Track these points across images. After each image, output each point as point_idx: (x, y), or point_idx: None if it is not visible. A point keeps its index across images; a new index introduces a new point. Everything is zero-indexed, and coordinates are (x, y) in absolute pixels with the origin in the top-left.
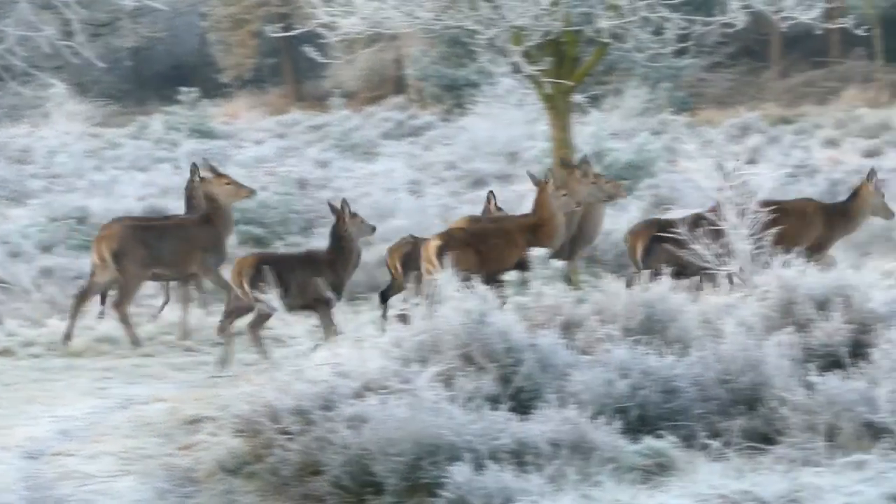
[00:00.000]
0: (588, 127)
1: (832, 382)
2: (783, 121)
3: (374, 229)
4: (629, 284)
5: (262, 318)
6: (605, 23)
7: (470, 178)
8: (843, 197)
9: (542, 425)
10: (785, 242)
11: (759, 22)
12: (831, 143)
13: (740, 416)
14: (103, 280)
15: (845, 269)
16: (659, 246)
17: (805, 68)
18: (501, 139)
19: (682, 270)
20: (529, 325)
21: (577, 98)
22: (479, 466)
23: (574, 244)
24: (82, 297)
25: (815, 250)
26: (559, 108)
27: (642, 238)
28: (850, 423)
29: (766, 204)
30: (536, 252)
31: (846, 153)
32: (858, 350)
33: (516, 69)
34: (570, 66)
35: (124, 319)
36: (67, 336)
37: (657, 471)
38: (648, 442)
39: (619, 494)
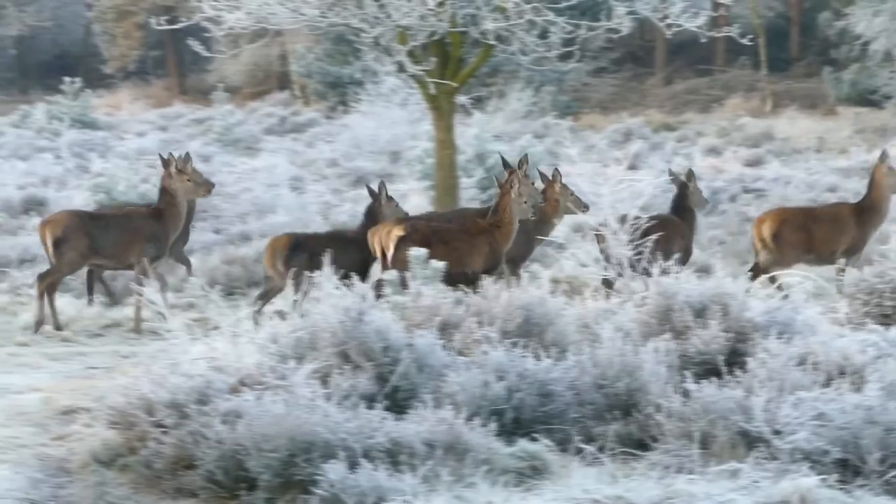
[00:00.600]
0: (471, 128)
1: (708, 390)
2: (666, 127)
3: (407, 215)
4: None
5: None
6: (490, 25)
7: (352, 176)
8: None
9: (418, 425)
10: (821, 249)
11: (644, 28)
12: (713, 151)
13: (616, 421)
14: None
15: (723, 277)
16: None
17: (689, 76)
18: (384, 138)
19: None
20: (407, 324)
21: (461, 99)
22: (353, 465)
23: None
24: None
25: (852, 252)
26: (443, 109)
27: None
28: (725, 431)
29: (803, 212)
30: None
31: (728, 161)
32: (735, 359)
33: (401, 68)
34: (454, 67)
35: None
36: (39, 323)
37: (531, 474)
38: (523, 445)
39: (493, 496)
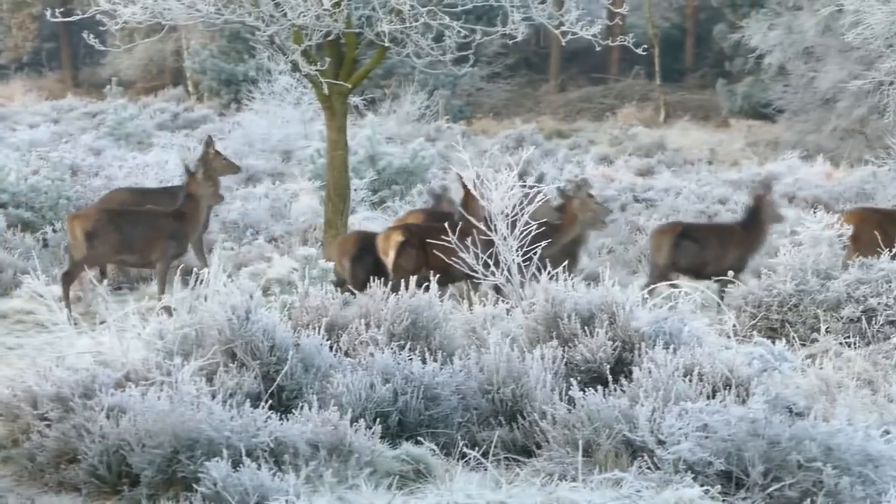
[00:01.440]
0: (364, 130)
1: (593, 398)
2: (559, 134)
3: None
4: None
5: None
6: (386, 27)
7: (243, 174)
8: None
9: (302, 425)
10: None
11: (540, 35)
12: (605, 159)
13: (500, 427)
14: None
15: (611, 286)
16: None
17: (583, 84)
18: (276, 137)
19: (702, 270)
20: (294, 324)
21: (354, 100)
22: (236, 463)
23: None
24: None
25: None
26: (335, 109)
27: (668, 237)
28: (609, 439)
29: (869, 211)
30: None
31: (619, 170)
32: (621, 367)
33: (295, 68)
34: (348, 68)
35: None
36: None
37: (414, 477)
38: (407, 448)
39: (375, 499)
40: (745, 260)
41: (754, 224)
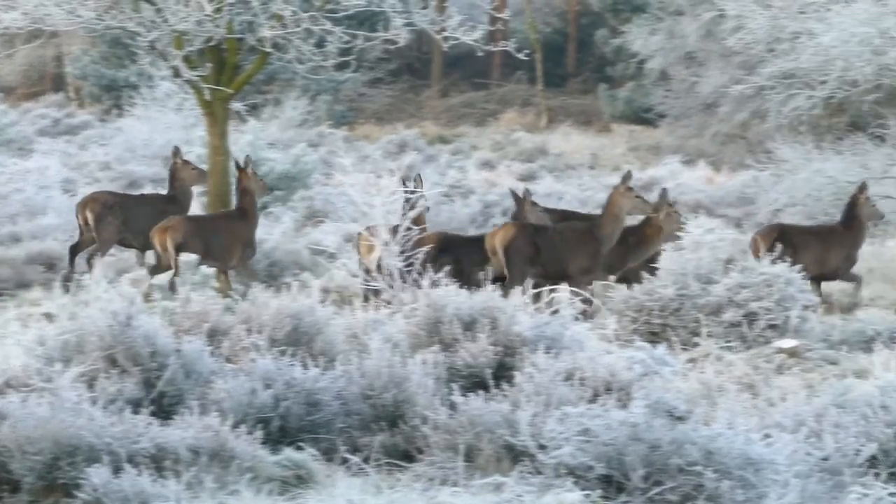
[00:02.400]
0: (245, 135)
1: (475, 403)
2: (441, 140)
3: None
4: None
5: None
6: (267, 32)
7: (125, 180)
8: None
9: (183, 431)
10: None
11: (421, 40)
12: (487, 164)
13: (382, 432)
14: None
15: (493, 291)
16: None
17: (465, 89)
18: (158, 142)
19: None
20: (176, 330)
21: (236, 106)
22: (117, 469)
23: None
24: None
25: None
26: (217, 115)
27: (765, 240)
28: (491, 444)
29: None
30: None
31: (501, 175)
32: (503, 372)
33: (176, 73)
34: (230, 74)
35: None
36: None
37: (296, 483)
38: (289, 453)
39: None
40: (851, 258)
41: (853, 222)
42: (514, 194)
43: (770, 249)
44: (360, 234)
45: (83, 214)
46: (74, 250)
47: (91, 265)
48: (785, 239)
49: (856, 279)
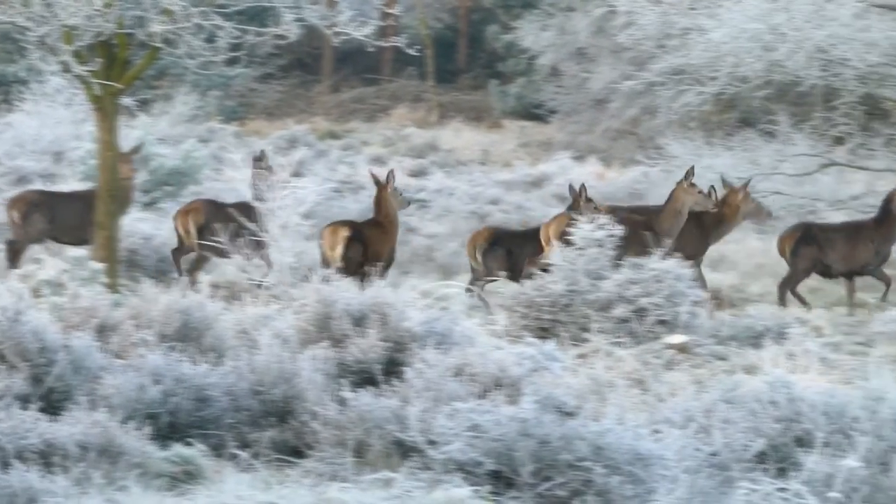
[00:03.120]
0: (135, 131)
1: (364, 399)
2: (331, 135)
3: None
4: None
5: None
6: (157, 27)
7: (13, 176)
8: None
9: (71, 427)
10: None
11: (312, 36)
12: (378, 160)
13: (271, 427)
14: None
15: (383, 287)
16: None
17: (356, 84)
18: (48, 138)
19: (826, 271)
20: (64, 326)
21: (126, 101)
22: (5, 465)
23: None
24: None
25: None
26: (107, 110)
27: (789, 241)
28: (380, 440)
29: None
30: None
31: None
32: (392, 368)
33: (66, 68)
34: (120, 69)
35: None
36: None
37: (185, 478)
38: (178, 449)
39: (145, 500)
40: (882, 254)
41: (887, 219)
42: (570, 188)
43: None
44: (324, 229)
45: (10, 214)
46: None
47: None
48: (809, 238)
49: (885, 278)
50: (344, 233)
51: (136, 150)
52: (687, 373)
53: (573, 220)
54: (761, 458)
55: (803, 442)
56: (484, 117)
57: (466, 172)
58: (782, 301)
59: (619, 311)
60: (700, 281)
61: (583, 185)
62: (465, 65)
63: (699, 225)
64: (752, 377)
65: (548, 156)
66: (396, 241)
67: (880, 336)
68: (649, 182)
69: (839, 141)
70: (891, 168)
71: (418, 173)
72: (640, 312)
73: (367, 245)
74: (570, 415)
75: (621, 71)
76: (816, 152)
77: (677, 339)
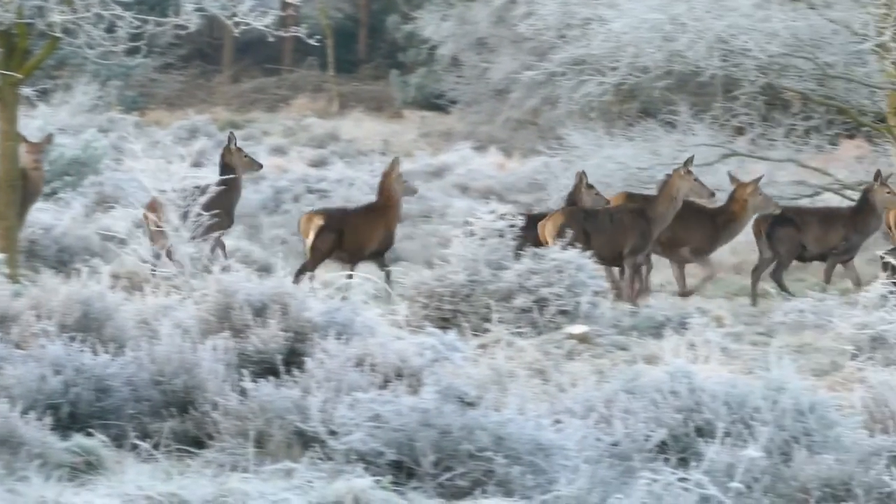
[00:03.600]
0: (35, 120)
1: (265, 389)
2: (232, 125)
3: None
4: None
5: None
6: (57, 17)
7: None
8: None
9: None
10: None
11: (213, 25)
12: (279, 150)
13: (172, 418)
14: None
15: (284, 276)
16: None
17: (257, 74)
18: None
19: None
20: None
21: (26, 91)
22: None
23: None
24: None
25: None
26: (7, 101)
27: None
28: (281, 430)
29: None
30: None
31: (293, 161)
32: (294, 358)
33: None
34: (20, 59)
35: None
36: None
37: (86, 469)
38: (78, 440)
39: (46, 491)
40: (852, 242)
41: (864, 209)
42: (578, 176)
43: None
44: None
45: None
46: None
47: None
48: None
49: (855, 277)
50: (318, 221)
51: (47, 139)
52: (588, 363)
53: (570, 216)
54: (662, 448)
55: (704, 432)
56: (384, 107)
57: (367, 163)
58: (784, 289)
59: (520, 301)
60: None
61: (583, 173)
62: (365, 55)
63: (712, 223)
64: (652, 367)
65: (448, 146)
66: (395, 227)
67: (781, 326)
68: (550, 172)
69: (740, 131)
70: (791, 158)
71: (319, 163)
72: (541, 302)
73: (349, 233)
74: (471, 405)
75: (522, 61)
76: (717, 142)
77: (578, 329)
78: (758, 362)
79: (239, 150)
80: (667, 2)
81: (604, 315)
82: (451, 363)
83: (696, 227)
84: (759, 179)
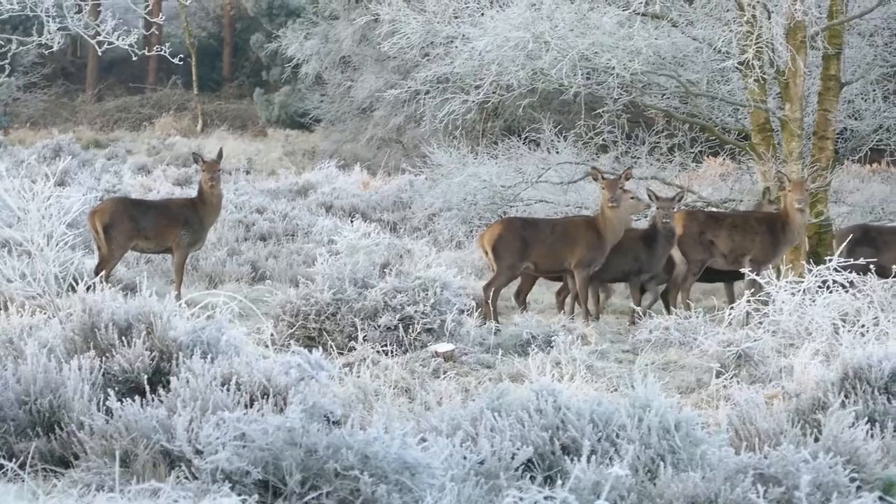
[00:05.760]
0: None
1: (131, 409)
2: (96, 144)
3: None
4: None
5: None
6: None
7: None
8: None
9: None
10: None
11: (76, 45)
12: (143, 169)
13: (38, 438)
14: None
15: (149, 296)
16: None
17: (121, 93)
18: None
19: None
20: None
21: None
22: None
23: None
24: None
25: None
26: None
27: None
28: (147, 450)
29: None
30: None
31: (157, 180)
32: (159, 377)
33: None
34: None
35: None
36: None
37: None
38: None
39: None
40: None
41: None
42: (593, 172)
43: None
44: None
45: None
46: None
47: None
48: (867, 239)
49: None
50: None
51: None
52: (454, 381)
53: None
54: (529, 466)
55: (570, 450)
56: (248, 126)
57: (231, 181)
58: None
59: (386, 319)
60: (756, 287)
61: (628, 169)
62: (229, 74)
63: (770, 231)
64: (518, 385)
65: (313, 164)
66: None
67: (645, 343)
68: (414, 191)
69: (604, 149)
70: (655, 176)
71: (183, 182)
72: (407, 321)
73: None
74: (336, 423)
75: (386, 79)
76: (581, 160)
77: (444, 347)
78: (623, 380)
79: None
80: (530, 20)
81: (469, 333)
82: (317, 382)
83: (753, 238)
84: (805, 180)
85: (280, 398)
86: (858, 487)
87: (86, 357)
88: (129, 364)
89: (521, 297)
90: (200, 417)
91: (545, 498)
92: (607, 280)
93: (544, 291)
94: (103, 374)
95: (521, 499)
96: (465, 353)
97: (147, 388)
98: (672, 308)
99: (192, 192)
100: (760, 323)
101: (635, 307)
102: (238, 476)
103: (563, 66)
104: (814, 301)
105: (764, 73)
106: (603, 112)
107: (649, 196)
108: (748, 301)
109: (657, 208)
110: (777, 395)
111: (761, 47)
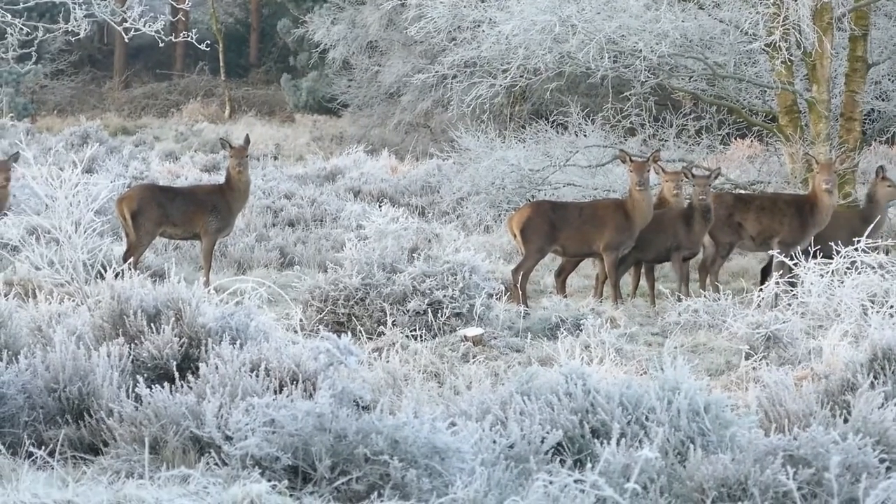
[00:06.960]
0: None
1: (160, 395)
2: (124, 131)
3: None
4: None
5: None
6: None
7: None
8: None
9: None
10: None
11: (103, 32)
12: (171, 155)
13: (67, 425)
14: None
15: (178, 282)
16: None
17: (148, 80)
18: None
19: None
20: None
21: None
22: None
23: None
24: None
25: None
26: None
27: None
28: (177, 436)
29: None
30: None
31: (185, 167)
32: (188, 364)
33: None
34: None
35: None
36: None
37: None
38: None
39: None
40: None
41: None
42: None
43: None
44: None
45: None
46: None
47: None
48: None
49: None
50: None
51: (14, 157)
52: (483, 365)
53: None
54: (558, 449)
55: (600, 433)
56: (276, 112)
57: (259, 167)
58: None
59: (415, 304)
60: (785, 270)
61: (656, 152)
62: (256, 59)
63: (799, 213)
64: (547, 369)
65: (341, 149)
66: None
67: (675, 326)
68: (442, 175)
69: (631, 132)
70: (682, 158)
71: (211, 168)
72: (436, 305)
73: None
74: (366, 409)
75: (413, 64)
76: (608, 143)
77: (473, 331)
78: (652, 363)
79: None
80: (557, 4)
81: (498, 317)
82: (346, 367)
83: (781, 219)
84: (833, 161)
85: (309, 384)
86: (888, 468)
87: (114, 344)
88: (157, 351)
89: (561, 276)
90: (230, 403)
91: (575, 481)
92: (651, 260)
93: (573, 275)
94: (132, 361)
95: (550, 482)
96: (494, 337)
97: (176, 374)
98: (701, 290)
99: (219, 178)
100: (789, 305)
101: (679, 286)
102: (268, 462)
103: (590, 50)
104: (842, 282)
105: (791, 55)
106: (630, 95)
107: (656, 171)
108: (776, 283)
109: (693, 185)
110: (806, 377)
111: (788, 29)
